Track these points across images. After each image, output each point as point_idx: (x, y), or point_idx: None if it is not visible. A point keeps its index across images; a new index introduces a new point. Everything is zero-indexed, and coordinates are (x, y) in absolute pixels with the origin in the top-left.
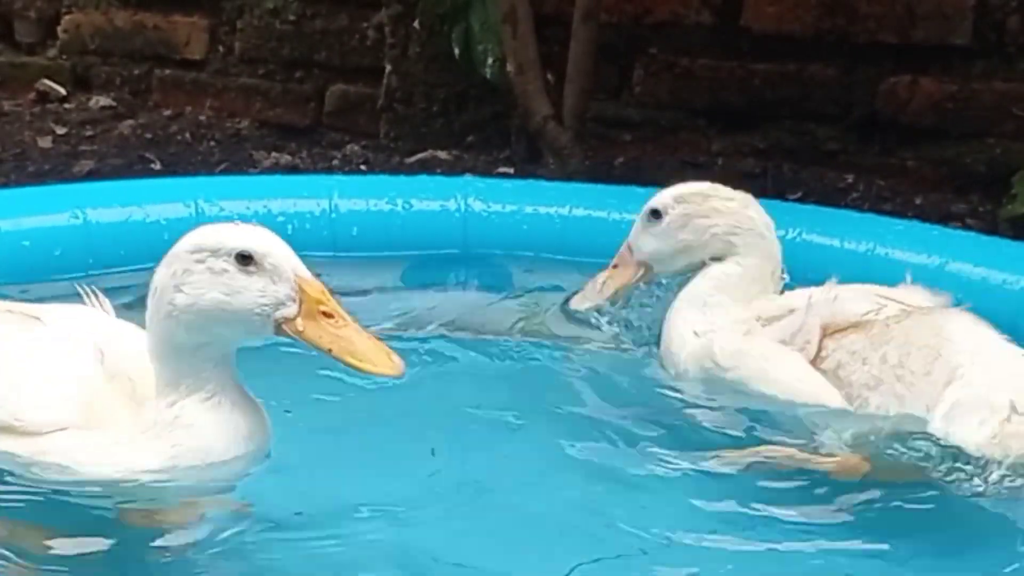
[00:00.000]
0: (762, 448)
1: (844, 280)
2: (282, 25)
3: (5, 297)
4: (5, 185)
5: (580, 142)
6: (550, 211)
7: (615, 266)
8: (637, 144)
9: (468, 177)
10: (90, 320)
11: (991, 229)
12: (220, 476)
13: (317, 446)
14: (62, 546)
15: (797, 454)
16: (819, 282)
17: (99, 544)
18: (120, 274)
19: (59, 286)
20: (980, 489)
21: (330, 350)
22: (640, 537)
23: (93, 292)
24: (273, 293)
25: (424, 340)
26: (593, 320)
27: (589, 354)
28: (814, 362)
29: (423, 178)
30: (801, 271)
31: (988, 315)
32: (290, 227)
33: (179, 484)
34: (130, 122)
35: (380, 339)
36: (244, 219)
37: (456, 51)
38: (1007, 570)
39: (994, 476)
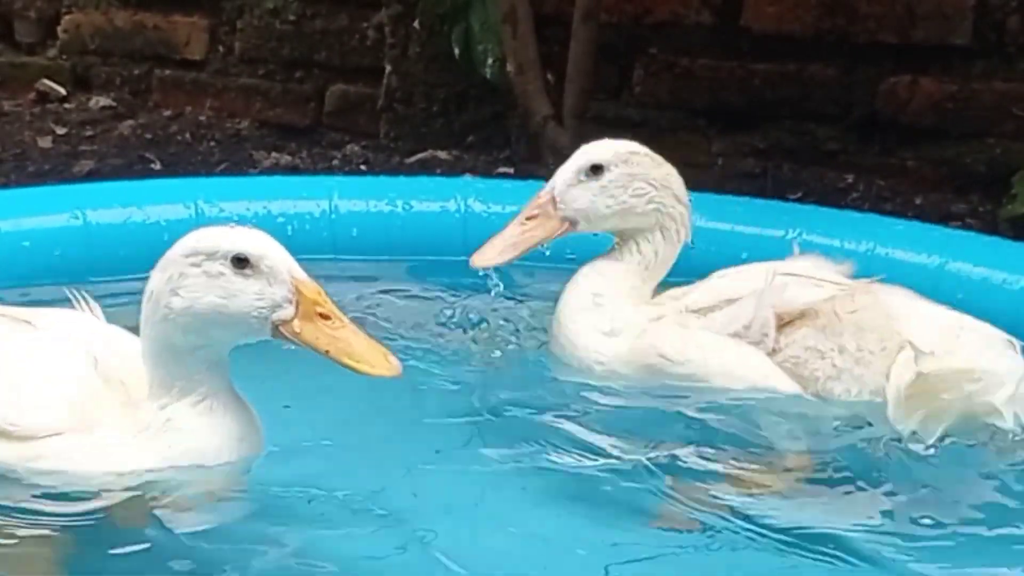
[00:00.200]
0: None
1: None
2: (282, 25)
3: (3, 300)
4: (5, 185)
5: (580, 142)
6: None
7: (531, 217)
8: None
9: (468, 177)
10: (82, 324)
11: (991, 229)
12: (213, 478)
13: (316, 446)
14: (59, 550)
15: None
16: None
17: (94, 546)
18: (120, 274)
19: (59, 286)
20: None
21: (327, 351)
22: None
23: (83, 297)
24: (270, 295)
25: (424, 341)
26: (491, 281)
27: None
28: (771, 356)
29: (423, 179)
30: None
31: (988, 315)
32: (290, 228)
33: (172, 486)
34: (130, 122)
35: (377, 340)
36: (244, 220)
37: (456, 51)
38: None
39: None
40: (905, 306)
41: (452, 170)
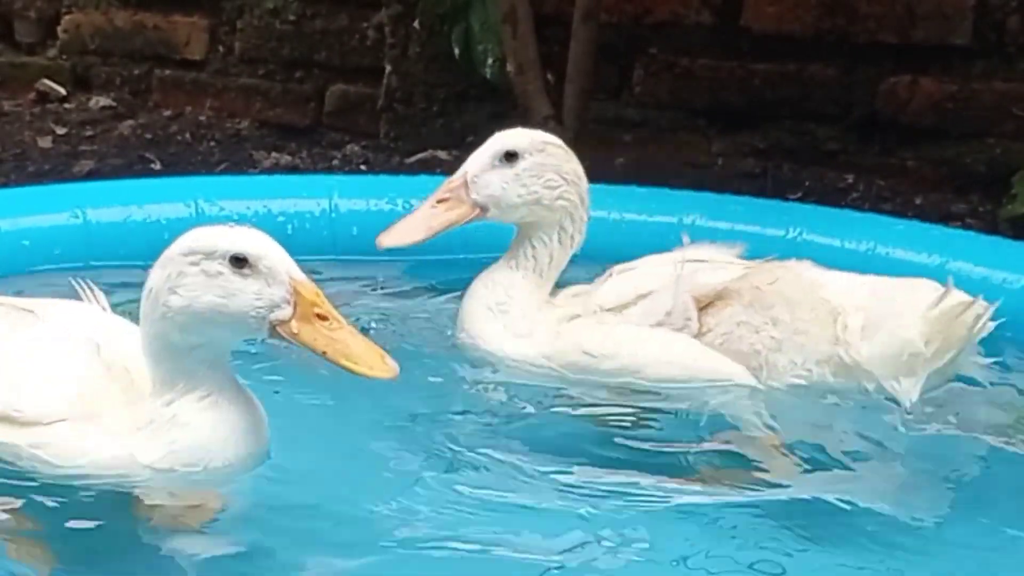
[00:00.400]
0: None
1: None
2: (282, 25)
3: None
4: (5, 185)
5: (580, 142)
6: None
7: (442, 200)
8: (637, 144)
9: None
10: (86, 314)
11: (991, 229)
12: (218, 474)
13: (313, 446)
14: (57, 540)
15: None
16: None
17: (92, 538)
18: (120, 274)
19: (59, 286)
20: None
21: (324, 353)
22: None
23: (88, 287)
24: (268, 296)
25: (423, 341)
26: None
27: None
28: (699, 339)
29: (423, 178)
30: None
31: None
32: (290, 227)
33: (176, 482)
34: (130, 122)
35: (374, 341)
36: (244, 219)
37: (456, 51)
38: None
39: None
40: (821, 275)
41: (452, 170)
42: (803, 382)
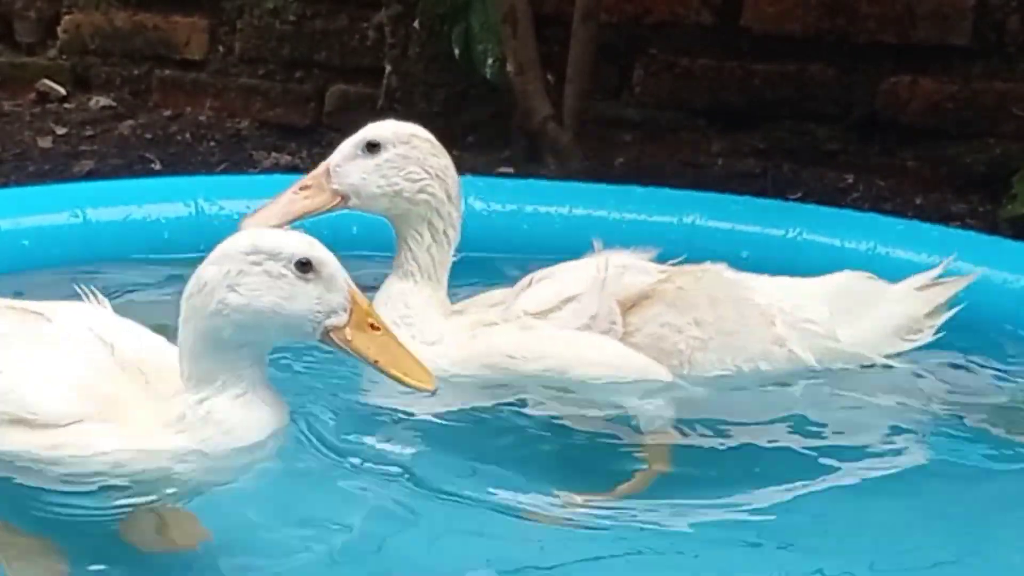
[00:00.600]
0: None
1: None
2: (282, 25)
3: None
4: (5, 185)
5: (580, 142)
6: (550, 211)
7: (306, 187)
8: (637, 144)
9: (468, 177)
10: (95, 317)
11: (991, 229)
12: (242, 471)
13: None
14: (73, 543)
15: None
16: None
17: (111, 540)
18: (120, 274)
19: (59, 286)
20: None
21: (376, 361)
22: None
23: (91, 291)
24: (328, 301)
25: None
26: None
27: None
28: (624, 340)
29: None
30: (802, 271)
31: (988, 315)
32: (289, 227)
33: (202, 478)
34: (130, 122)
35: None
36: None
37: (456, 51)
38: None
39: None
40: (741, 276)
41: None
42: (730, 380)
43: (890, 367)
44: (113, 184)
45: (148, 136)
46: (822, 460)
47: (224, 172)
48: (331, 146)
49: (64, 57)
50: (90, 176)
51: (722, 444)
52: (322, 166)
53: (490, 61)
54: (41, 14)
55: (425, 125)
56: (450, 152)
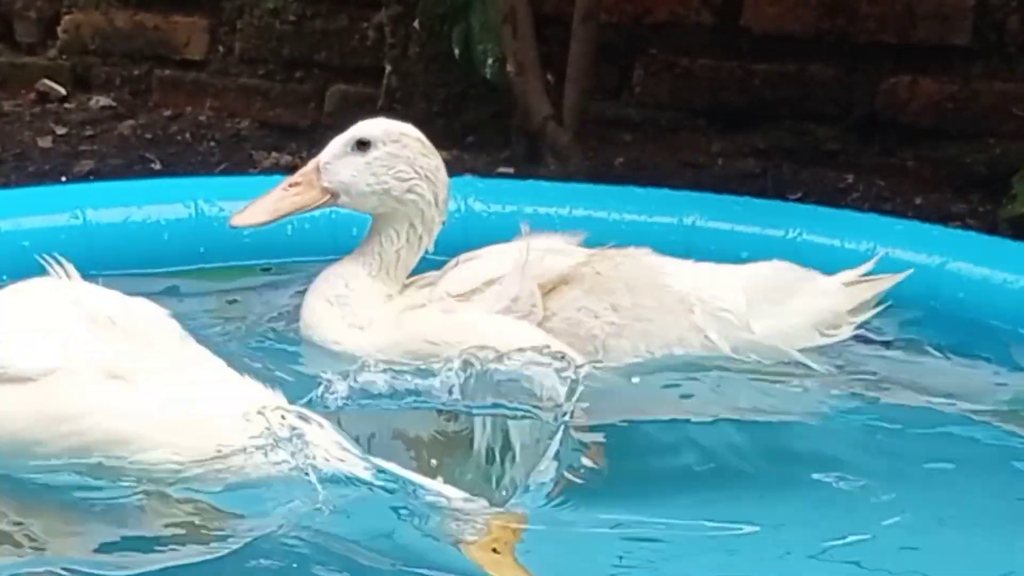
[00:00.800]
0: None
1: None
2: (282, 25)
3: None
4: (5, 185)
5: (580, 142)
6: (550, 211)
7: (295, 184)
8: (637, 144)
9: (468, 177)
10: (82, 288)
11: (991, 229)
12: None
13: None
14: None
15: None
16: None
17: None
18: (119, 274)
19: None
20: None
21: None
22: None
23: (57, 262)
24: None
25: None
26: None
27: None
28: (541, 325)
29: None
30: None
31: (988, 315)
32: (290, 228)
33: None
34: (130, 122)
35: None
36: None
37: (456, 51)
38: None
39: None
40: (662, 262)
41: (452, 170)
42: (644, 366)
43: (805, 364)
44: (113, 185)
45: (148, 136)
46: (738, 450)
47: (224, 172)
48: None
49: (64, 57)
50: (90, 176)
51: (635, 432)
52: (312, 163)
53: (490, 61)
54: (41, 14)
55: (425, 125)
56: (450, 152)
